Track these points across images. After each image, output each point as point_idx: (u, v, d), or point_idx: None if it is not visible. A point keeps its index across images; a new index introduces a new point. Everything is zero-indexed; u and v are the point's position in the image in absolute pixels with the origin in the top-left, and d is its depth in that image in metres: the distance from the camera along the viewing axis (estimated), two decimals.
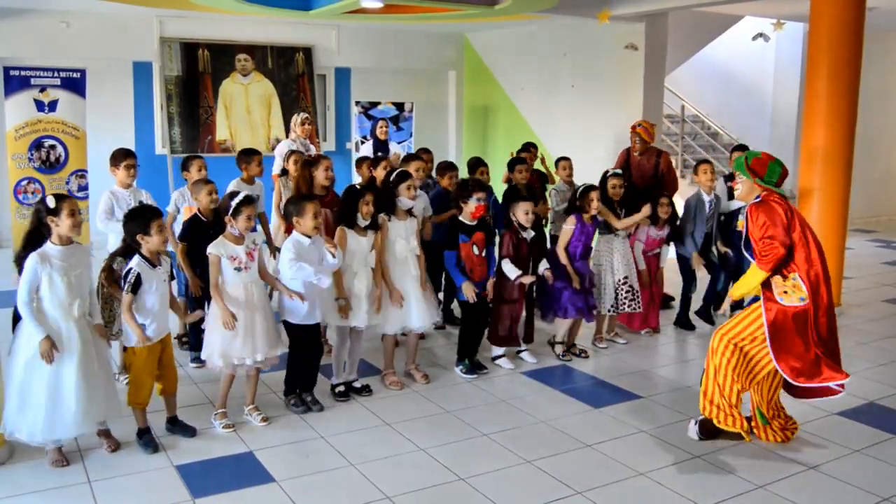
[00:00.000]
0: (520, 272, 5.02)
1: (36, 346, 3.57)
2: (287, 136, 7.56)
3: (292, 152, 6.21)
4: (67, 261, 3.64)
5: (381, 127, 7.58)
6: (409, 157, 6.05)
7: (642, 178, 6.47)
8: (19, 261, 3.70)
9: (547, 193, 6.65)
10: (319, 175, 5.16)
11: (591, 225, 5.35)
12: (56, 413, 3.60)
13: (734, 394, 3.94)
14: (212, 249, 4.11)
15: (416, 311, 4.76)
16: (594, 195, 5.22)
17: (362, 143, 9.77)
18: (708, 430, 4.09)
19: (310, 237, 4.30)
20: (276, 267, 4.52)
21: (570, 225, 5.27)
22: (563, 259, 5.28)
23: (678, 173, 9.93)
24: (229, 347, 4.08)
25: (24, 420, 3.61)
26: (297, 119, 7.55)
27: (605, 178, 5.68)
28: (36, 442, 3.66)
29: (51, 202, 3.61)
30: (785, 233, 3.77)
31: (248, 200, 4.16)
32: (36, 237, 3.69)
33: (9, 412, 3.64)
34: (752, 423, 4.11)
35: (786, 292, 3.81)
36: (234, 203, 4.13)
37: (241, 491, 3.54)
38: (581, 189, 5.32)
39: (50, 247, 3.63)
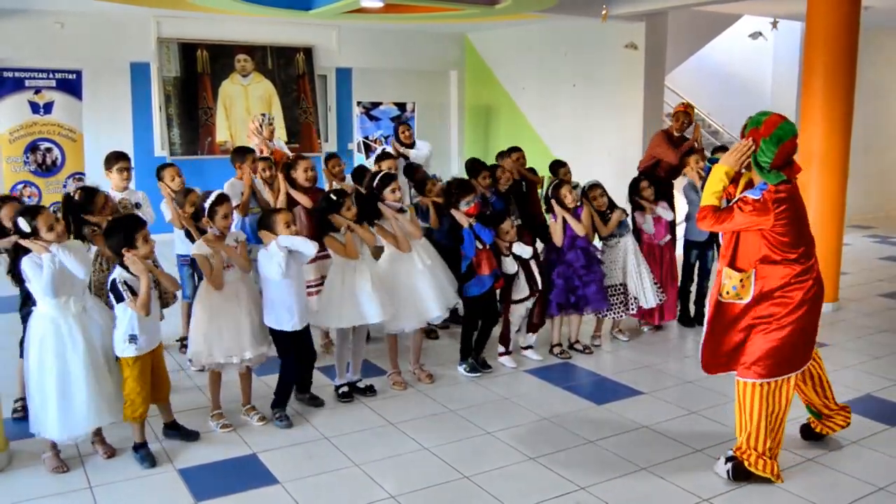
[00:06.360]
0: (531, 248, 5.07)
1: (40, 344, 3.55)
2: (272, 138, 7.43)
3: (261, 159, 6.01)
4: (54, 260, 3.58)
5: (404, 131, 7.53)
6: (382, 157, 5.96)
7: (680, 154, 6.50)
8: (13, 274, 3.67)
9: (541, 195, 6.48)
10: (300, 176, 5.10)
11: (574, 216, 5.36)
12: (69, 409, 3.58)
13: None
14: (197, 251, 4.03)
15: (431, 301, 4.70)
16: (564, 190, 5.32)
17: (374, 143, 9.77)
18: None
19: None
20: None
21: (552, 220, 5.35)
22: (560, 240, 5.31)
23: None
24: (215, 345, 4.02)
25: (46, 418, 3.59)
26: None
27: (584, 192, 5.51)
28: (58, 439, 3.64)
29: (24, 226, 3.54)
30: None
31: (221, 199, 4.10)
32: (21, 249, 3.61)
33: (33, 412, 3.63)
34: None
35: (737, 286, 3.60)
36: (207, 204, 4.08)
37: (245, 493, 3.52)
38: (552, 186, 5.42)
39: (35, 255, 3.57)
